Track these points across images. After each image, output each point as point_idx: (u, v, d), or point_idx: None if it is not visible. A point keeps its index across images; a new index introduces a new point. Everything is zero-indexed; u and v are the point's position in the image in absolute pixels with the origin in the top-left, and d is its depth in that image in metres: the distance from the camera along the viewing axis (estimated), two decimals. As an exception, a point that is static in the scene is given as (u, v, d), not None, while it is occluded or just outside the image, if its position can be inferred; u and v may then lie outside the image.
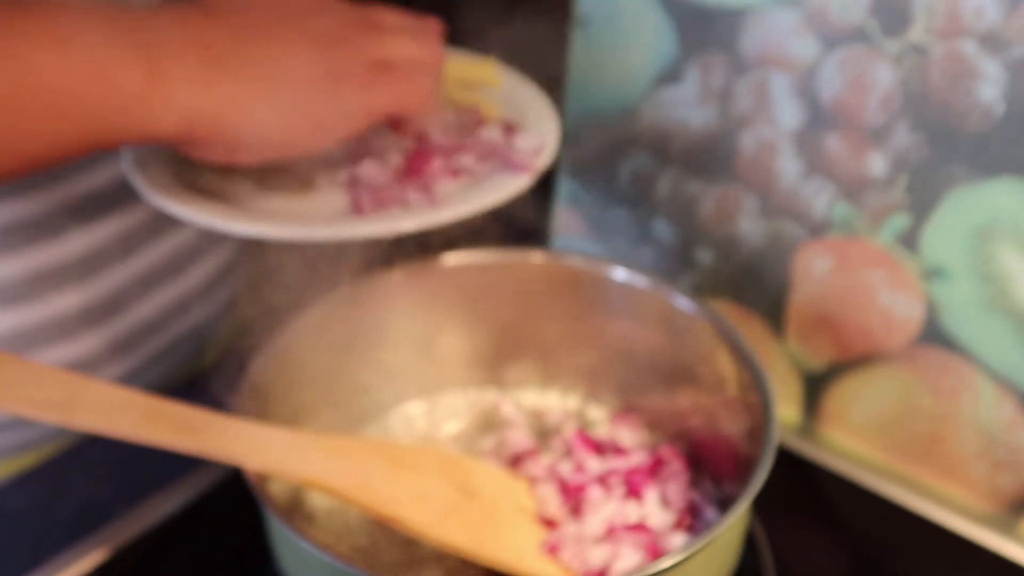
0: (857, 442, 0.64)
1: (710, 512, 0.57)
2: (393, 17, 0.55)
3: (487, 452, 0.61)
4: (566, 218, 0.72)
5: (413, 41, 0.54)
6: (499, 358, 0.65)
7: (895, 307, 0.60)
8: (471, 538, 0.51)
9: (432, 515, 0.51)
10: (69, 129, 0.47)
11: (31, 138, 0.46)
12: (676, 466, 0.59)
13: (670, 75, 0.64)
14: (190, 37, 0.49)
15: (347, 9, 0.54)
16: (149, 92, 0.47)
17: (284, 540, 0.50)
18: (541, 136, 0.58)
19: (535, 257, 0.62)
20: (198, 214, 0.51)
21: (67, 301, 0.63)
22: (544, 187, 0.74)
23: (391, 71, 0.52)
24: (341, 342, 0.61)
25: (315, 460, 0.49)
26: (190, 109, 0.48)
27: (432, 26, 0.56)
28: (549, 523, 0.55)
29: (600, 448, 0.60)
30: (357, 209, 0.53)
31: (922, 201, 0.57)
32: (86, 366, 0.65)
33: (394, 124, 0.57)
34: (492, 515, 0.54)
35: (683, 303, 0.59)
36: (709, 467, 0.59)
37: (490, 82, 0.64)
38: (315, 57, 0.50)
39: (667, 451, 0.59)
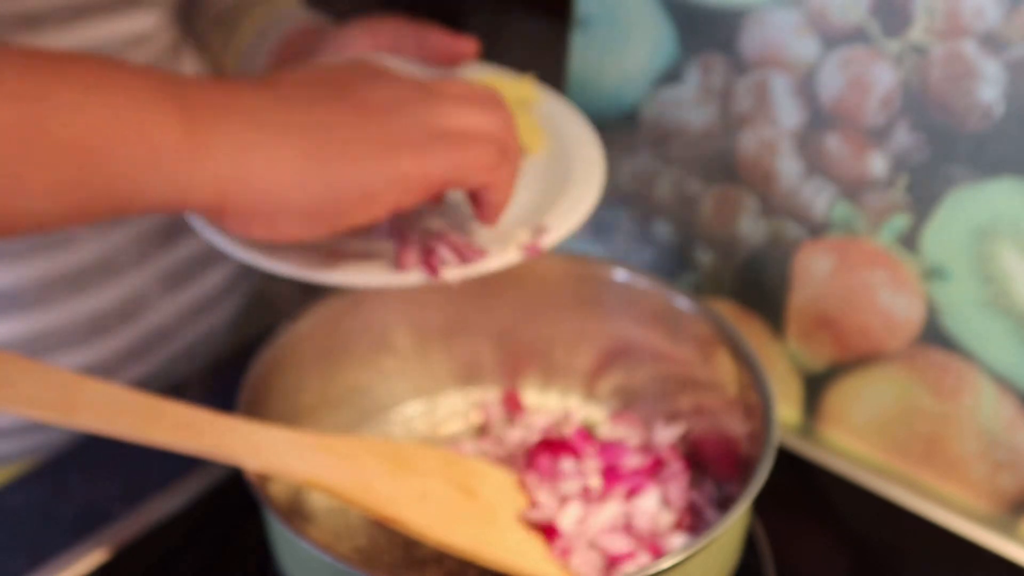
0: (857, 442, 0.64)
1: (710, 512, 0.57)
2: (457, 87, 0.50)
3: (486, 452, 0.61)
4: (566, 218, 0.72)
5: (479, 111, 0.48)
6: (499, 358, 0.65)
7: (895, 307, 0.60)
8: (471, 538, 0.51)
9: (432, 515, 0.51)
10: (95, 183, 0.41)
11: (54, 189, 0.41)
12: (676, 466, 0.59)
13: (670, 75, 0.64)
14: (233, 100, 0.45)
15: (406, 79, 0.49)
16: (184, 149, 0.42)
17: (284, 540, 0.50)
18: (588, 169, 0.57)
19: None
20: (278, 264, 0.48)
21: (81, 307, 0.63)
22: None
23: (450, 137, 0.47)
24: (341, 343, 0.61)
25: (315, 460, 0.49)
26: (227, 171, 0.43)
27: (498, 97, 0.50)
28: (548, 530, 0.55)
29: (601, 448, 0.60)
30: (401, 264, 0.50)
31: (922, 201, 0.57)
32: (100, 372, 0.65)
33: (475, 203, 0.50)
34: (492, 515, 0.54)
35: (683, 303, 0.59)
36: (709, 467, 0.59)
37: (529, 100, 0.62)
38: (368, 122, 0.46)
39: (667, 451, 0.59)
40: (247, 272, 0.74)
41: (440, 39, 0.60)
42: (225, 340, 0.75)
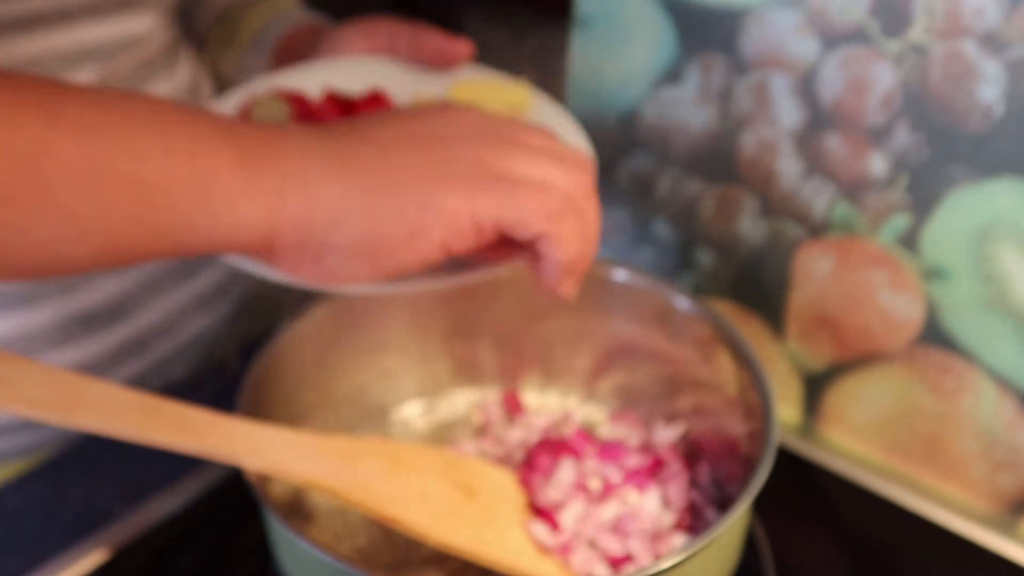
0: (857, 442, 0.64)
1: (710, 512, 0.57)
2: (541, 138, 0.46)
3: (486, 452, 0.61)
4: (566, 218, 0.72)
5: (555, 165, 0.45)
6: (499, 358, 0.65)
7: (895, 307, 0.60)
8: (471, 538, 0.51)
9: (432, 515, 0.51)
10: (150, 221, 0.40)
11: (110, 227, 0.39)
12: (676, 466, 0.59)
13: (670, 75, 0.64)
14: (285, 135, 0.43)
15: (486, 121, 0.46)
16: (236, 183, 0.41)
17: (284, 540, 0.50)
18: None
19: None
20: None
21: (73, 305, 0.63)
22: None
23: (512, 181, 0.43)
24: (341, 343, 0.61)
25: (316, 460, 0.49)
26: (277, 203, 0.42)
27: (585, 160, 0.47)
28: (543, 513, 0.55)
29: (601, 448, 0.60)
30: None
31: (922, 201, 0.57)
32: (91, 369, 0.65)
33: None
34: (492, 515, 0.54)
35: (683, 303, 0.59)
36: (709, 467, 0.59)
37: (523, 104, 0.61)
38: (424, 154, 0.43)
39: (667, 451, 0.59)
40: (242, 272, 0.74)
41: (435, 41, 0.59)
42: (220, 339, 0.75)
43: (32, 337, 0.62)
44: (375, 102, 0.61)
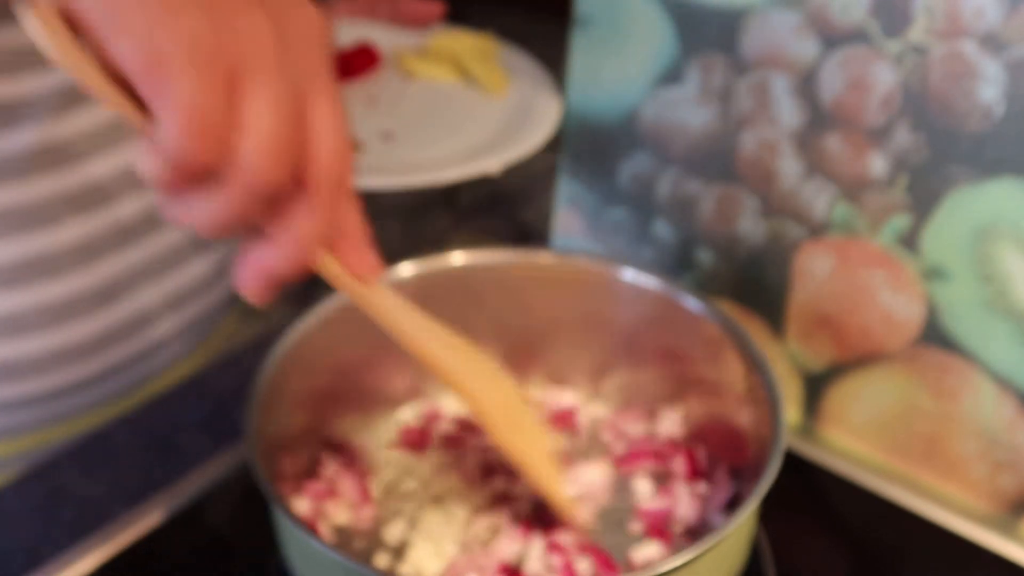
0: (857, 442, 0.64)
1: (715, 513, 0.57)
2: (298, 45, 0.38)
3: (488, 451, 0.61)
4: (566, 218, 0.72)
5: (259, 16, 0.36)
6: (505, 356, 0.65)
7: (895, 307, 0.60)
8: (527, 452, 0.53)
9: (504, 422, 0.53)
10: None
11: None
12: (680, 465, 0.59)
13: (670, 75, 0.64)
14: None
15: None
16: None
17: (293, 538, 0.50)
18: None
19: (542, 257, 0.62)
20: None
21: (59, 289, 0.62)
22: (544, 187, 0.74)
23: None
24: (346, 342, 0.61)
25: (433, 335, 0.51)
26: None
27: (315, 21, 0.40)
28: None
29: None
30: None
31: (922, 201, 0.57)
32: (74, 354, 0.64)
33: None
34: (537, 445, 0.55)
35: (691, 303, 0.59)
36: (714, 466, 0.59)
37: (490, 52, 0.75)
38: None
39: (672, 450, 0.59)
40: (233, 264, 0.74)
41: (410, 4, 0.67)
42: (209, 331, 0.75)
43: (15, 318, 0.61)
44: (363, 53, 0.75)
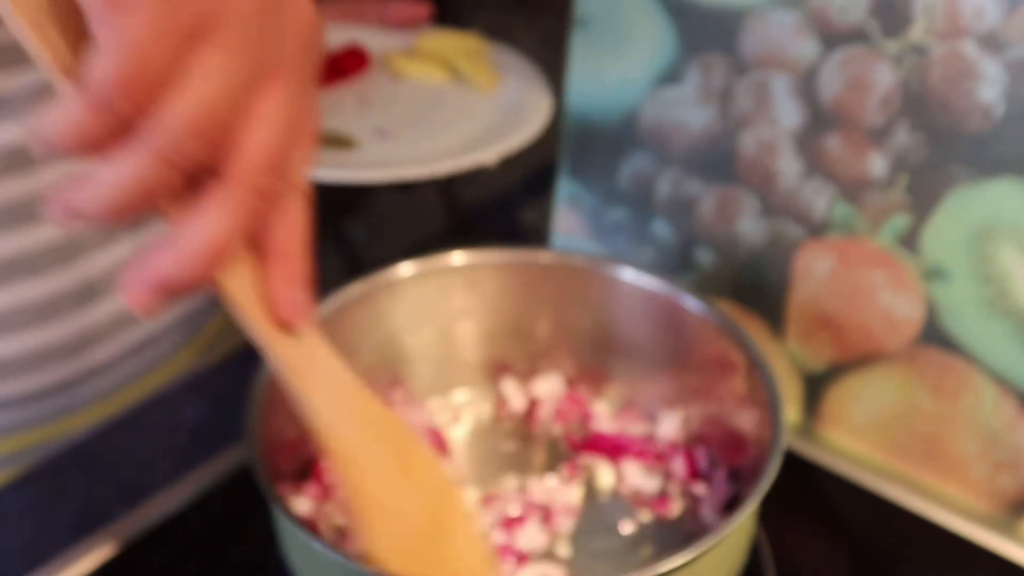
0: (857, 442, 0.64)
1: (714, 513, 0.57)
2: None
3: (491, 452, 0.61)
4: (566, 218, 0.72)
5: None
6: (506, 356, 0.65)
7: (895, 307, 0.60)
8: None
9: (394, 533, 0.44)
10: None
11: None
12: (680, 466, 0.59)
13: (670, 75, 0.64)
14: None
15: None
16: None
17: (293, 538, 0.50)
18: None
19: (543, 256, 0.62)
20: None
21: (40, 288, 0.62)
22: (544, 187, 0.74)
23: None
24: (347, 342, 0.61)
25: (346, 408, 0.42)
26: None
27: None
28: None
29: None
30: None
31: (922, 201, 0.57)
32: (57, 354, 0.64)
33: None
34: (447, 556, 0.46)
35: (691, 303, 0.59)
36: (714, 466, 0.59)
37: (480, 51, 0.77)
38: None
39: (671, 450, 0.59)
40: None
41: (398, 6, 0.68)
42: (200, 326, 0.75)
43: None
44: (353, 55, 0.76)
